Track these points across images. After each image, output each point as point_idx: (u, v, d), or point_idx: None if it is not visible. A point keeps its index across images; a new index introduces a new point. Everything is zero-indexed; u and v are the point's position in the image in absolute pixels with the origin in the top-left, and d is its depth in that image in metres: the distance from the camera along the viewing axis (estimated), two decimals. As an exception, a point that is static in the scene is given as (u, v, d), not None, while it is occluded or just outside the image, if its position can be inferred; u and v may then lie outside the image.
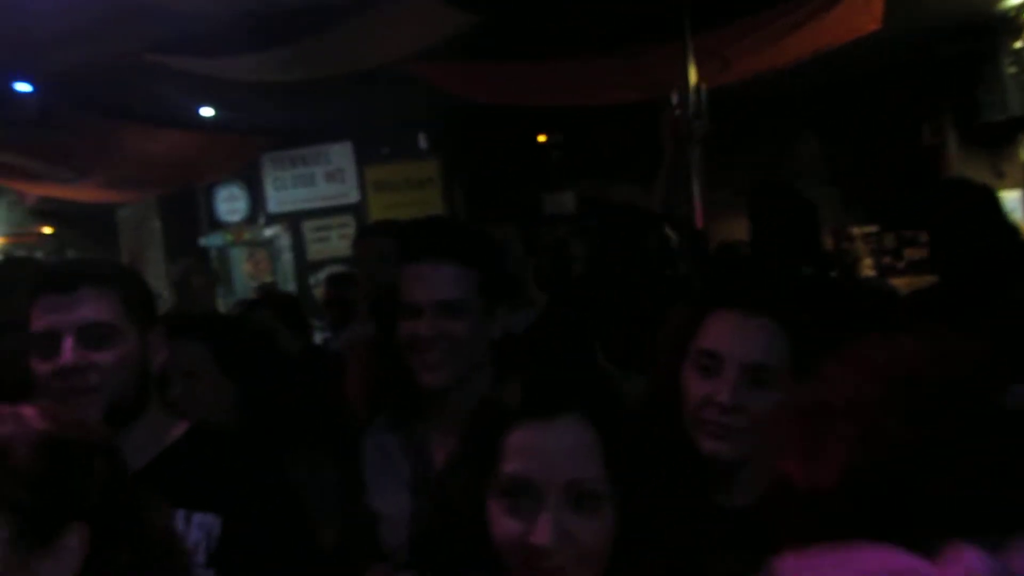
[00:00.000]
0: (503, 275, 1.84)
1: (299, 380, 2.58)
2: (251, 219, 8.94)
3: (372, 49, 5.26)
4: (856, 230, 7.22)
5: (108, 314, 1.55)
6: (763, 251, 3.07)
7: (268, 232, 8.87)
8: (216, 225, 9.04)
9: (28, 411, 1.15)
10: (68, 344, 1.51)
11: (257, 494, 1.58)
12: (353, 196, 8.62)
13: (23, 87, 5.55)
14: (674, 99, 6.21)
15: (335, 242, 8.62)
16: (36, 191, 7.60)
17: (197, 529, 1.53)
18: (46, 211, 8.30)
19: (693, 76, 5.42)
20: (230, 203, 8.98)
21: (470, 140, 7.93)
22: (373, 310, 2.62)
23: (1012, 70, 6.04)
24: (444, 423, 1.75)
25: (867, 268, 7.25)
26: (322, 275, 8.62)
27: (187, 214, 9.01)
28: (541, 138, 8.33)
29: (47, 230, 8.48)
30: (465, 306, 1.72)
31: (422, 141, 8.38)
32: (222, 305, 7.26)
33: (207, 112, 7.02)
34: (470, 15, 5.09)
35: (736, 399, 1.44)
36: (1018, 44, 5.92)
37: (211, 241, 9.02)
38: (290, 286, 8.53)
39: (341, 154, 8.63)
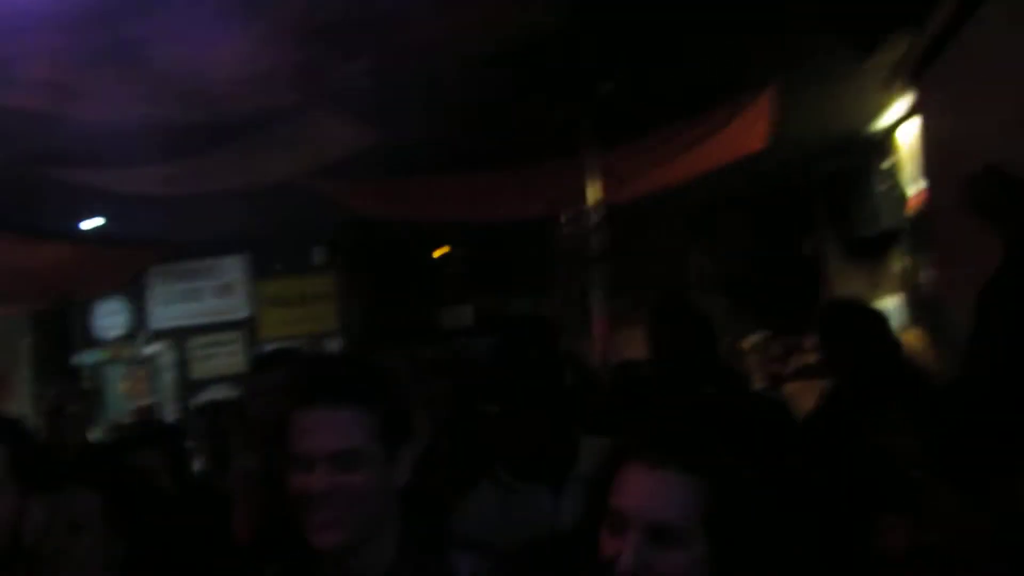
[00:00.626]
0: (402, 414, 1.65)
1: (187, 527, 2.35)
2: (131, 335, 8.52)
3: (273, 164, 5.21)
4: (745, 343, 7.45)
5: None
6: (664, 370, 3.11)
7: (149, 349, 8.46)
8: (92, 342, 8.56)
9: None
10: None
11: None
12: (243, 311, 8.36)
13: None
14: (569, 215, 6.41)
15: (223, 359, 8.29)
16: None
17: None
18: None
19: (592, 193, 5.58)
20: (110, 318, 8.55)
21: (366, 255, 7.88)
22: (268, 451, 2.43)
23: (882, 187, 6.47)
24: None
25: (757, 378, 7.46)
26: (206, 394, 8.24)
27: (60, 330, 8.52)
28: (437, 252, 8.35)
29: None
30: (363, 456, 1.55)
31: (317, 256, 8.27)
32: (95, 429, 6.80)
33: (93, 224, 6.74)
34: (369, 132, 5.12)
35: (636, 564, 1.34)
36: (887, 163, 6.36)
37: (86, 359, 8.52)
38: (170, 406, 8.09)
39: (232, 268, 8.40)
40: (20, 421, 1.82)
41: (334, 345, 7.73)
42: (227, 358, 8.27)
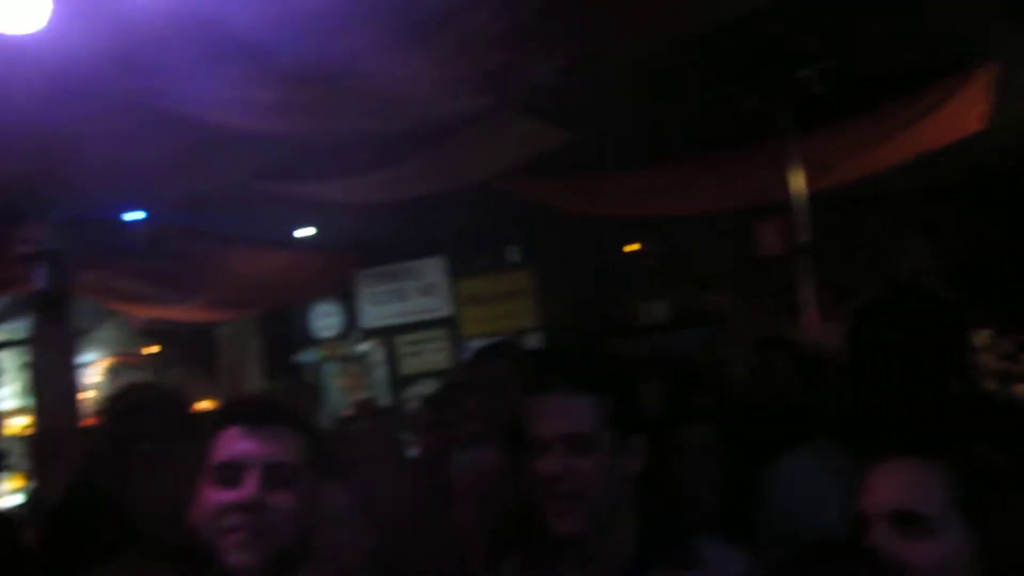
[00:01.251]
0: (633, 403, 1.71)
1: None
2: (345, 335, 9.05)
3: (470, 167, 5.35)
4: (981, 338, 6.88)
5: (294, 456, 1.54)
6: (908, 364, 2.88)
7: (362, 347, 8.95)
8: (311, 341, 9.17)
9: None
10: (253, 479, 1.48)
11: None
12: (446, 310, 8.67)
13: (135, 216, 5.79)
14: (770, 205, 6.13)
15: (428, 356, 8.65)
16: (143, 313, 7.85)
17: None
18: (151, 331, 8.56)
19: (793, 181, 5.31)
20: (325, 319, 9.13)
21: (561, 251, 7.94)
22: (500, 440, 2.51)
23: None
24: (590, 569, 1.60)
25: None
26: (416, 389, 8.62)
27: (284, 331, 9.19)
28: (631, 247, 8.28)
29: (153, 349, 8.72)
30: (594, 441, 1.60)
31: (513, 254, 8.43)
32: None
33: (305, 233, 7.21)
34: (561, 130, 5.14)
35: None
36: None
37: (306, 357, 9.15)
38: (384, 400, 8.53)
39: (433, 269, 8.73)
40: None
41: (535, 342, 7.85)
42: (433, 354, 8.63)
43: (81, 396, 8.07)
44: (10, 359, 7.86)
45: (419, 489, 3.06)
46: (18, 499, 6.76)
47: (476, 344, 8.33)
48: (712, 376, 5.19)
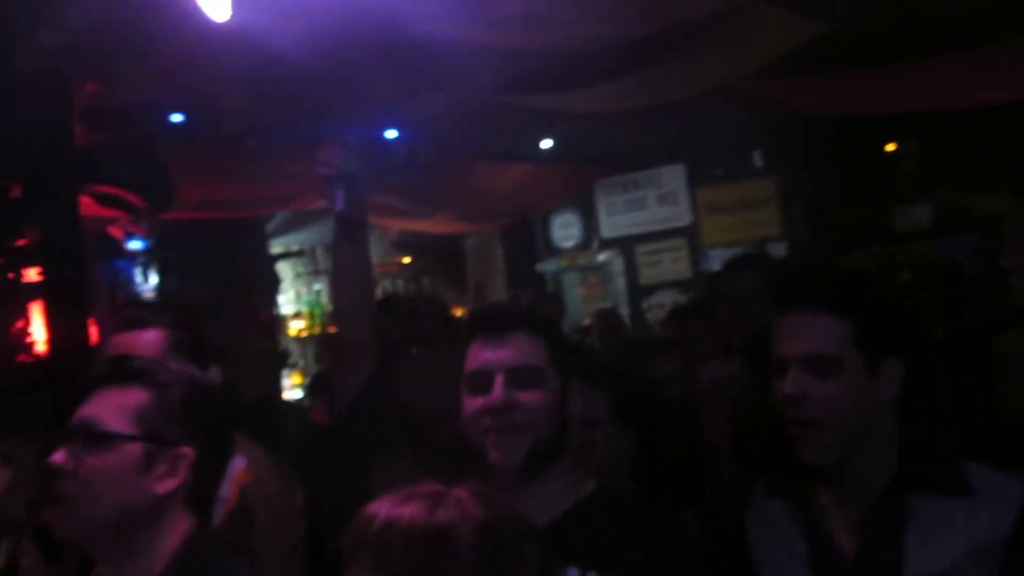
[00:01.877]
0: (888, 325, 1.60)
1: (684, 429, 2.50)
2: (585, 245, 9.18)
3: (716, 70, 5.15)
4: None
5: (537, 359, 1.62)
6: None
7: (601, 257, 9.05)
8: (552, 251, 9.39)
9: (464, 495, 1.12)
10: (499, 383, 1.58)
11: (667, 559, 1.53)
12: (685, 219, 8.53)
13: (392, 134, 6.14)
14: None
15: (667, 265, 8.59)
16: (398, 226, 8.39)
17: None
18: (404, 243, 9.12)
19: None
20: (565, 230, 9.29)
21: (810, 155, 7.51)
22: (746, 355, 2.48)
23: None
24: (843, 493, 1.57)
25: None
26: (654, 299, 8.63)
27: (526, 242, 9.47)
28: (890, 147, 7.68)
29: (406, 260, 9.32)
30: (837, 362, 1.53)
31: (757, 159, 8.09)
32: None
33: (546, 144, 7.32)
34: (818, 25, 4.81)
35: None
36: None
37: (547, 267, 9.39)
38: (623, 310, 8.61)
39: (673, 177, 8.59)
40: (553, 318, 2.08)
41: (779, 250, 7.57)
42: (672, 264, 8.56)
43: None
44: (287, 268, 8.70)
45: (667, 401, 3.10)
46: (298, 393, 7.58)
47: (716, 254, 8.17)
48: (986, 287, 4.77)
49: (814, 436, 1.54)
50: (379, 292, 8.98)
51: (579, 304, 9.06)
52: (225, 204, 6.45)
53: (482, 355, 1.62)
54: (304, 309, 8.59)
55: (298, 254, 8.84)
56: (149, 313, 2.20)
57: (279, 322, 8.08)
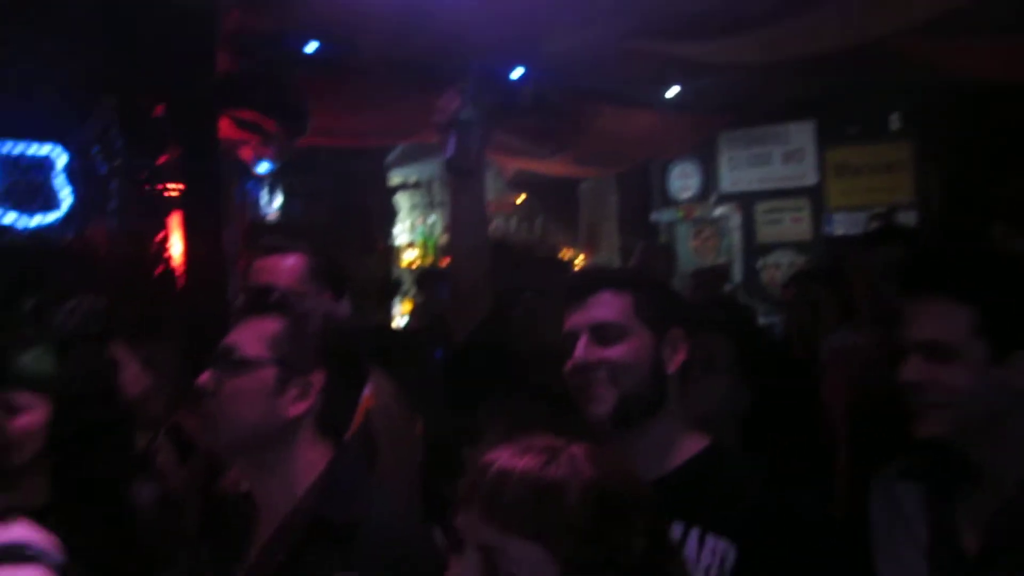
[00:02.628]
0: (1016, 313, 1.52)
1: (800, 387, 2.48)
2: (702, 197, 9.01)
3: (860, 25, 4.92)
4: None
5: (618, 315, 1.66)
6: None
7: (718, 211, 8.87)
8: (667, 201, 9.26)
9: (578, 453, 1.12)
10: (582, 342, 1.65)
11: (777, 526, 1.51)
12: (811, 178, 8.25)
13: (516, 72, 6.12)
14: None
15: (788, 225, 8.36)
16: (514, 165, 8.40)
17: (709, 553, 1.51)
18: (520, 182, 9.14)
19: None
20: (683, 180, 9.13)
21: (955, 121, 7.11)
22: (875, 329, 2.42)
23: None
24: (974, 489, 1.53)
25: None
26: (770, 259, 8.43)
27: (642, 189, 9.36)
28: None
29: (520, 199, 9.35)
30: (954, 350, 1.49)
31: (895, 122, 7.72)
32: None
33: (672, 92, 7.17)
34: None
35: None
36: None
37: (661, 217, 9.28)
38: (736, 267, 8.46)
39: (801, 134, 8.29)
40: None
41: (909, 218, 7.26)
42: (792, 224, 8.32)
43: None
44: (404, 199, 8.86)
45: (783, 364, 3.06)
46: (406, 321, 7.77)
47: (840, 217, 7.90)
48: None
49: (933, 415, 1.51)
50: (493, 229, 9.11)
51: (691, 257, 8.94)
52: (350, 133, 6.59)
53: (570, 319, 1.70)
54: (418, 240, 8.76)
55: (415, 186, 9.00)
56: (290, 240, 2.30)
57: (393, 252, 8.27)
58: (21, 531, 1.27)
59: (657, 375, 1.66)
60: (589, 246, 9.22)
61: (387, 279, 7.61)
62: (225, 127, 4.74)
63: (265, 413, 1.56)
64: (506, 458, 1.11)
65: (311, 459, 1.59)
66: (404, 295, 8.36)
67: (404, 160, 8.23)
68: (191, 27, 4.19)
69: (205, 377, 1.59)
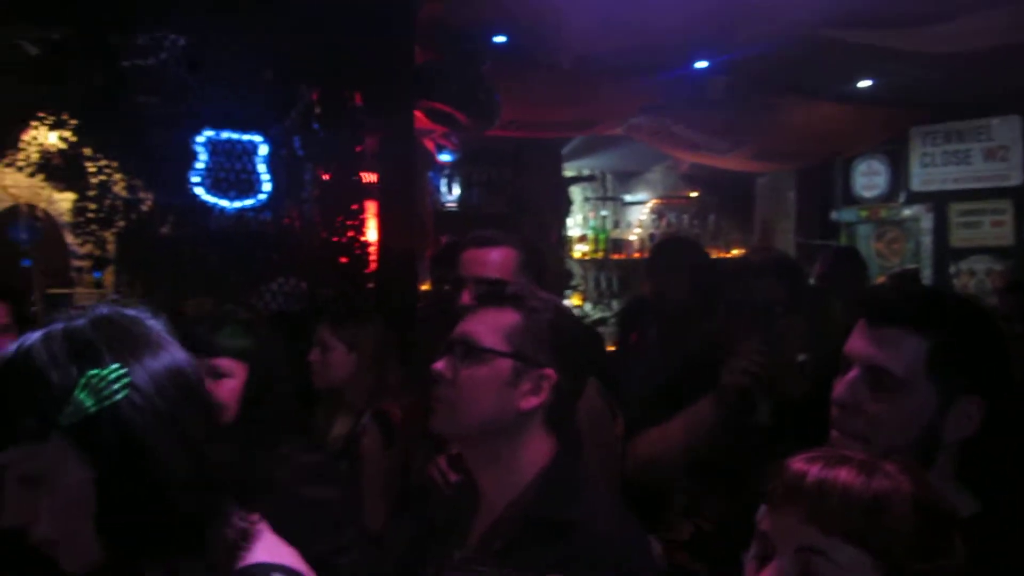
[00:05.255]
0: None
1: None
2: (889, 196, 8.53)
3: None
4: None
5: (901, 365, 1.42)
6: None
7: (907, 211, 8.37)
8: (850, 200, 8.82)
9: (893, 468, 1.11)
10: (854, 377, 1.46)
11: None
12: (1016, 178, 7.63)
13: (700, 65, 5.98)
14: None
15: (986, 228, 7.78)
16: (690, 159, 8.23)
17: None
18: (694, 176, 8.96)
19: None
20: (868, 178, 8.67)
21: None
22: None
23: None
24: None
25: None
26: (964, 264, 7.88)
27: (822, 187, 8.96)
28: None
29: (693, 194, 9.16)
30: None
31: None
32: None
33: (864, 84, 6.81)
34: None
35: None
36: None
37: (842, 216, 8.85)
38: (926, 272, 7.96)
39: (1006, 129, 7.69)
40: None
41: None
42: (992, 227, 7.73)
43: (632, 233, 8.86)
44: (577, 192, 8.86)
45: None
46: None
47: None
48: None
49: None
50: (663, 225, 8.96)
51: (872, 260, 8.48)
52: (531, 125, 6.65)
53: (854, 339, 1.49)
54: (589, 233, 8.74)
55: (589, 179, 8.97)
56: (500, 232, 2.33)
57: (565, 243, 8.28)
58: (270, 550, 1.22)
59: (928, 444, 1.44)
60: (763, 244, 8.91)
61: (560, 271, 7.64)
62: (418, 118, 4.87)
63: (499, 404, 1.58)
64: (821, 467, 1.10)
65: (536, 453, 1.60)
66: (574, 288, 8.37)
67: (578, 153, 8.22)
68: (389, 20, 4.32)
69: (441, 364, 1.61)
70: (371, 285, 4.24)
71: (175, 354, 1.18)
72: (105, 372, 1.09)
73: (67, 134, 4.19)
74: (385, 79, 4.41)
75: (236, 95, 4.54)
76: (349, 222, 4.33)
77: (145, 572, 1.15)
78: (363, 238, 4.36)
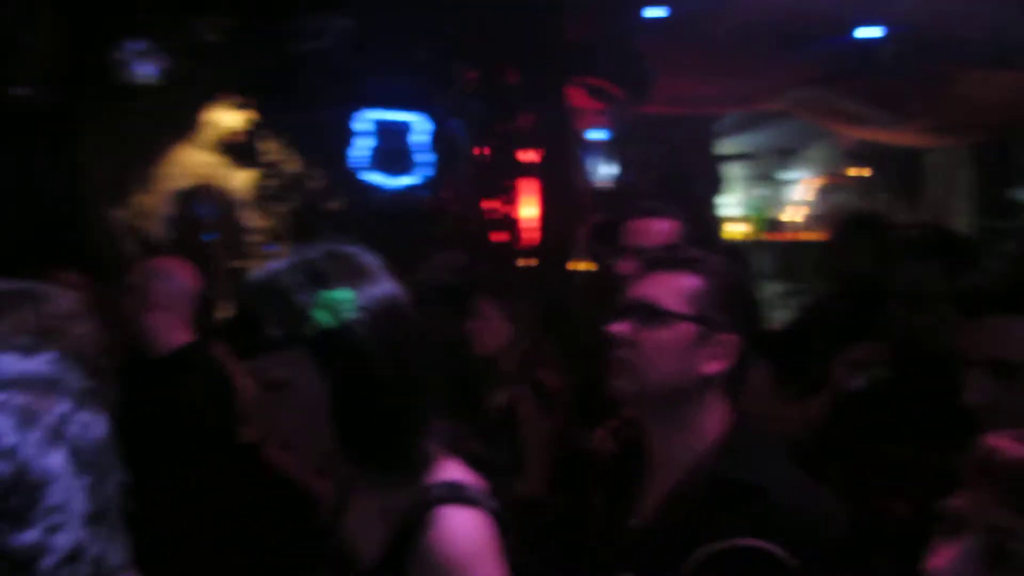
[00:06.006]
0: None
1: None
2: (1077, 172, 7.85)
3: None
4: None
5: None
6: None
7: (1101, 189, 7.68)
8: (1034, 177, 8.17)
9: None
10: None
11: None
12: None
13: (869, 33, 5.66)
14: None
15: None
16: (855, 134, 7.84)
17: None
18: (860, 153, 8.53)
19: None
20: (1055, 153, 8.00)
21: None
22: None
23: None
24: None
25: None
26: None
27: (1001, 163, 8.33)
28: None
29: (860, 172, 8.73)
30: None
31: None
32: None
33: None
34: None
35: None
36: None
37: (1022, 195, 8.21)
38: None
39: None
40: None
41: None
42: None
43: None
44: (735, 170, 8.63)
45: None
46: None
47: None
48: None
49: None
50: (828, 204, 8.61)
51: (1056, 243, 7.82)
52: (684, 100, 6.52)
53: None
54: (746, 214, 8.51)
55: (745, 157, 8.72)
56: (663, 204, 2.33)
57: (716, 223, 8.09)
58: (458, 471, 1.36)
59: None
60: (933, 222, 8.40)
61: (720, 247, 7.47)
62: (573, 95, 4.88)
63: (681, 368, 1.56)
64: (1018, 447, 1.08)
65: (716, 419, 1.57)
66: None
67: (733, 129, 8.01)
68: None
69: (623, 326, 1.61)
70: (528, 260, 4.30)
71: (388, 284, 1.37)
72: (337, 295, 1.29)
73: (244, 115, 4.44)
74: (540, 56, 4.44)
75: (398, 76, 4.69)
76: (503, 198, 4.40)
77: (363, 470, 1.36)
78: (516, 214, 4.41)
